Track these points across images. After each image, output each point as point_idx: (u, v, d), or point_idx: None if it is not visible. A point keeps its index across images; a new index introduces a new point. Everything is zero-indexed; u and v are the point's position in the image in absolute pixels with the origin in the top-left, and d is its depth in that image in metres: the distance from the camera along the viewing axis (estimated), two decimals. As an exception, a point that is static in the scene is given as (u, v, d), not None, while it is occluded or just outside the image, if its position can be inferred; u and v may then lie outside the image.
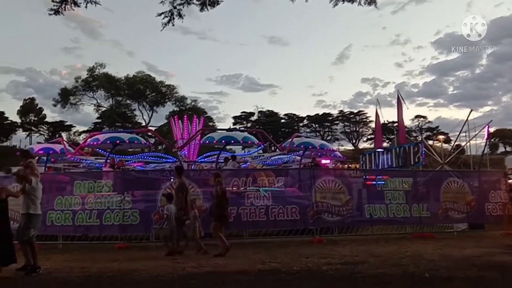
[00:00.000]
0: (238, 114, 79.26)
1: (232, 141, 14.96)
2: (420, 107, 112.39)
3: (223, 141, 14.93)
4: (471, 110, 20.91)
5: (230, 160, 14.96)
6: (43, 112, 71.82)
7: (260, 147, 18.23)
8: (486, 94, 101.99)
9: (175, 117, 22.70)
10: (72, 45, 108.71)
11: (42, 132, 70.68)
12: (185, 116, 21.59)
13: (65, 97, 59.69)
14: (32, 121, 71.03)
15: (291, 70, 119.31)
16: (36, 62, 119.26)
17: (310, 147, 16.46)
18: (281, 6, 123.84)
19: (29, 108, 70.98)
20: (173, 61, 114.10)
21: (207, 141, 15.89)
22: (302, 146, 16.45)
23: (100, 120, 65.80)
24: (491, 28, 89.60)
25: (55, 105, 60.77)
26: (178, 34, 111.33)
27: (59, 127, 69.56)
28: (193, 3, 7.32)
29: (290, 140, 17.36)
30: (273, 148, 19.77)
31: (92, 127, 65.21)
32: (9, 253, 6.73)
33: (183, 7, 7.53)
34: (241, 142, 15.06)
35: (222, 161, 15.06)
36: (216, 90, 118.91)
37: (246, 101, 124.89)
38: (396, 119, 29.46)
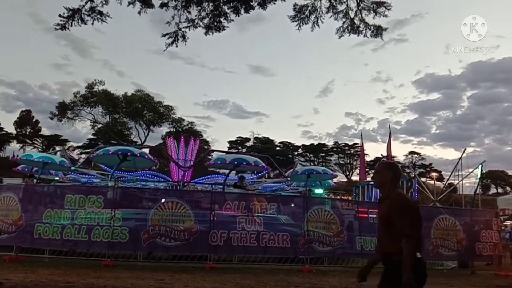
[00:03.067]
0: (234, 139, 79.67)
1: (244, 163, 14.94)
2: (404, 144, 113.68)
3: (235, 162, 14.87)
4: (465, 149, 21.18)
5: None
6: (38, 125, 71.99)
7: (265, 172, 18.32)
8: (469, 135, 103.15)
9: (171, 137, 22.73)
10: (63, 62, 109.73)
11: (36, 145, 70.45)
12: (183, 137, 21.67)
13: (63, 111, 59.68)
14: (27, 133, 70.90)
15: (277, 100, 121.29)
16: (27, 76, 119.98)
17: (315, 172, 16.68)
18: (266, 38, 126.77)
19: (25, 120, 70.95)
20: (161, 83, 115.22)
21: (219, 162, 15.88)
22: (306, 173, 16.63)
23: (95, 137, 65.74)
24: (470, 71, 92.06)
25: (51, 118, 60.67)
26: (165, 58, 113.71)
27: (54, 141, 69.32)
28: (200, 26, 7.45)
29: (293, 169, 17.62)
30: (272, 174, 19.90)
31: (87, 143, 65.06)
32: None
33: (189, 29, 7.69)
34: (253, 164, 15.11)
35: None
36: (203, 114, 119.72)
37: (234, 127, 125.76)
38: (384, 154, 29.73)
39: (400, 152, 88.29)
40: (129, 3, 7.11)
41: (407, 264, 3.29)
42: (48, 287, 6.89)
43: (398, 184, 3.79)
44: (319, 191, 18.76)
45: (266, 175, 19.03)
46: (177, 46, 7.83)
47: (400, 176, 3.91)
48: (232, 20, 7.63)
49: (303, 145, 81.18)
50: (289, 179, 17.68)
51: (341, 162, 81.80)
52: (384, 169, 3.79)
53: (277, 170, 20.91)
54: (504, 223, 20.79)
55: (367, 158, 66.97)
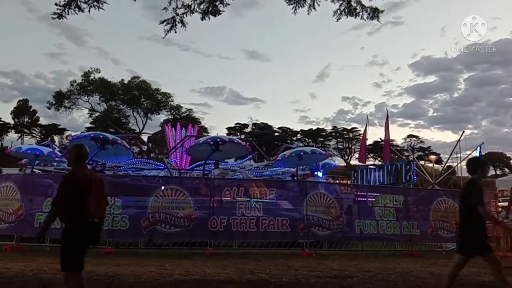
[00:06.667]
0: (232, 125, 79.57)
1: (218, 140, 14.81)
2: (402, 127, 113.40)
3: (209, 140, 14.80)
4: (463, 132, 21.21)
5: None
6: (36, 115, 71.73)
7: (249, 157, 18.20)
8: (466, 117, 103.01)
9: (169, 124, 22.70)
10: (57, 51, 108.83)
11: (34, 135, 70.28)
12: (178, 124, 21.62)
13: (60, 100, 59.46)
14: (25, 123, 70.65)
15: (274, 85, 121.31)
16: (22, 65, 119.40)
17: (302, 153, 16.26)
18: (261, 23, 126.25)
19: (22, 109, 70.63)
20: (156, 70, 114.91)
21: (193, 144, 15.97)
22: (293, 154, 16.30)
23: (93, 125, 65.60)
24: (466, 54, 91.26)
25: (49, 108, 60.53)
26: (160, 44, 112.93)
27: (52, 130, 69.13)
28: (196, 12, 7.37)
29: (280, 150, 17.51)
30: (266, 159, 19.82)
31: (85, 131, 64.88)
32: None
33: (185, 15, 7.60)
34: (227, 140, 15.01)
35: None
36: (200, 101, 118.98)
37: (232, 113, 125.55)
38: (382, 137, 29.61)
39: (398, 135, 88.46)
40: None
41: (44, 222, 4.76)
42: (49, 275, 6.92)
43: (83, 161, 4.43)
44: (318, 174, 18.70)
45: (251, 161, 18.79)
46: (175, 32, 7.74)
47: (85, 154, 4.46)
48: (228, 4, 7.54)
49: (301, 130, 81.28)
50: (274, 163, 17.46)
51: (339, 146, 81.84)
52: (70, 150, 4.38)
53: (265, 154, 20.72)
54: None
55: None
